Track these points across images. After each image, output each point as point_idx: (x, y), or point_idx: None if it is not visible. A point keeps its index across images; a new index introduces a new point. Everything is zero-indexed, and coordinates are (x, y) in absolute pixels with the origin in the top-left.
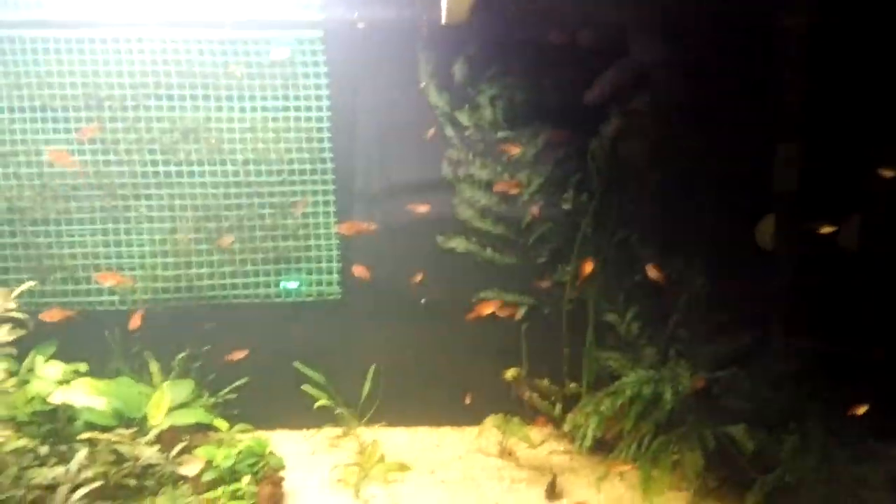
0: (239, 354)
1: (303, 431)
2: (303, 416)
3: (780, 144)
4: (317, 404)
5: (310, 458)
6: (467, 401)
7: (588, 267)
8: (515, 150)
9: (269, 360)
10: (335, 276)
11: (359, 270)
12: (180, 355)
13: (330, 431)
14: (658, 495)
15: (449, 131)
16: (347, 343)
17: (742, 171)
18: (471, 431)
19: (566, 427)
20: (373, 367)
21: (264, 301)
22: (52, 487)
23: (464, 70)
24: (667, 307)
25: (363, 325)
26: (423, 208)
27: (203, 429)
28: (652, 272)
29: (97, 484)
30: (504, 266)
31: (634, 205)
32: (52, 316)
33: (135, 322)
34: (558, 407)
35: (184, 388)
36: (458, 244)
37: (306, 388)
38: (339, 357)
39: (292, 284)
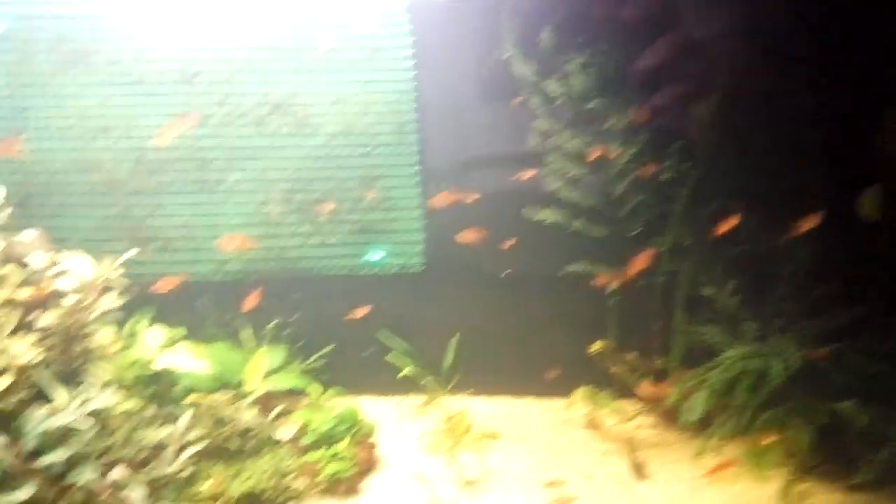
0: (361, 312)
1: (388, 398)
2: (388, 383)
3: (887, 110)
4: (401, 373)
5: (397, 425)
6: (552, 373)
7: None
8: (643, 116)
9: (355, 329)
10: (419, 248)
11: (467, 236)
12: (272, 323)
13: (415, 399)
14: (764, 471)
15: (535, 102)
16: (432, 314)
17: (847, 138)
18: (553, 403)
19: (669, 400)
20: (456, 337)
21: (350, 272)
22: (159, 447)
23: (552, 38)
24: (768, 280)
25: (447, 296)
26: (509, 179)
27: (294, 394)
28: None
29: (202, 445)
30: (594, 239)
31: (735, 175)
32: (164, 286)
33: (251, 301)
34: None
35: (277, 355)
36: (547, 215)
37: (392, 357)
38: (423, 327)
39: (376, 256)
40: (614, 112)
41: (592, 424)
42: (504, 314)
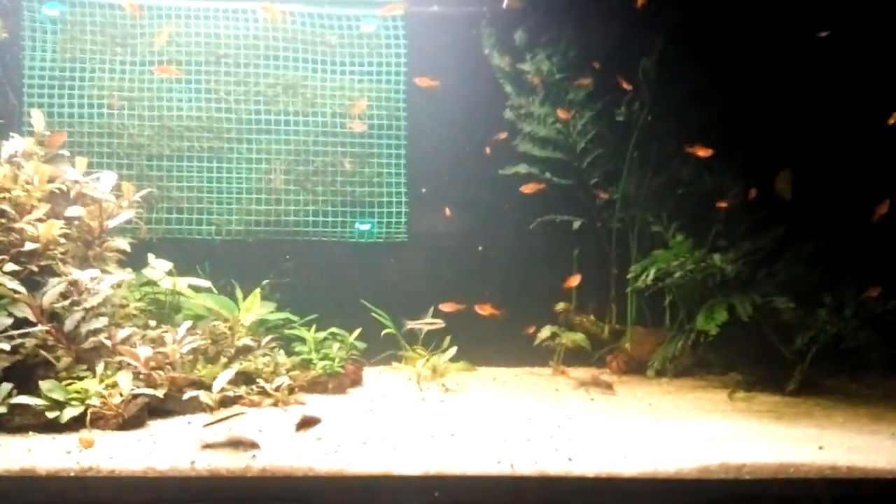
0: (453, 307)
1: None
2: (373, 347)
3: None
4: (384, 332)
5: (379, 374)
6: (531, 331)
7: None
8: (585, 83)
9: (341, 295)
10: (403, 220)
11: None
12: (265, 281)
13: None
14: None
15: (508, 87)
16: (411, 283)
17: None
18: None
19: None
20: (431, 309)
21: (340, 239)
22: (160, 341)
23: (523, 37)
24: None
25: (426, 267)
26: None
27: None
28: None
29: (199, 343)
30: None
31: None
32: None
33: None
34: (606, 330)
35: (268, 307)
36: (521, 168)
37: (377, 317)
38: (403, 296)
39: (365, 226)
40: (575, 84)
41: (559, 371)
42: (478, 283)
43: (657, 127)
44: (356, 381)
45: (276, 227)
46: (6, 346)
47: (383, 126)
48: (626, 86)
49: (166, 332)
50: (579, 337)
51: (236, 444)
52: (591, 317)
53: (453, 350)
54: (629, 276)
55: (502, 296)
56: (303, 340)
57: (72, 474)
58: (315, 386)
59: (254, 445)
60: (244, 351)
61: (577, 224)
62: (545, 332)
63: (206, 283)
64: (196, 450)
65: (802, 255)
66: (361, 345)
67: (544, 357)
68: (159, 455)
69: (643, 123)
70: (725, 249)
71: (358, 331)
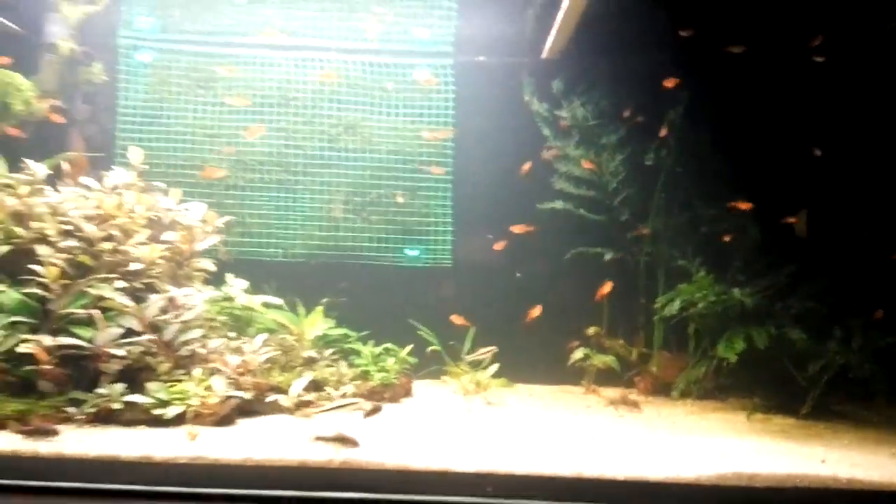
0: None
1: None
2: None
3: None
4: (429, 349)
5: (425, 386)
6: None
7: None
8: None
9: (390, 313)
10: (448, 247)
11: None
12: (324, 300)
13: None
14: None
15: (546, 131)
16: (453, 305)
17: None
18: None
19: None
20: (472, 329)
21: (390, 264)
22: (239, 350)
23: (560, 86)
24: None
25: (467, 290)
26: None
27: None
28: None
29: (274, 353)
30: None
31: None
32: None
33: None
34: (634, 353)
35: (328, 323)
36: (557, 204)
37: (423, 335)
38: (446, 316)
39: (413, 252)
40: (608, 131)
41: (590, 390)
42: (515, 306)
43: (682, 170)
44: (407, 393)
45: (335, 252)
46: (121, 352)
47: (432, 163)
48: (662, 134)
49: (245, 342)
50: (610, 359)
51: (342, 440)
52: (621, 341)
53: (495, 367)
54: (656, 305)
55: (539, 319)
56: (358, 354)
57: (183, 461)
58: (373, 395)
59: (354, 443)
60: (309, 362)
61: (608, 256)
62: (578, 353)
63: (279, 301)
64: (308, 440)
65: (814, 290)
66: (413, 359)
67: (575, 377)
68: (254, 448)
69: (669, 167)
70: (744, 284)
71: (409, 347)
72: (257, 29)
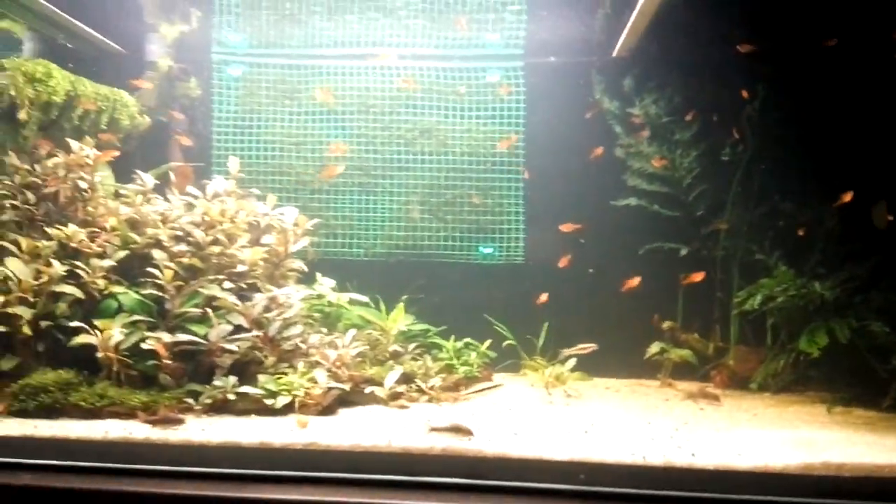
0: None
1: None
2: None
3: None
4: (504, 343)
5: (505, 379)
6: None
7: None
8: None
9: (466, 309)
10: (521, 245)
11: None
12: (404, 297)
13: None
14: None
15: (618, 128)
16: (527, 300)
17: None
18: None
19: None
20: (546, 325)
21: (466, 261)
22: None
23: (631, 84)
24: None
25: (541, 286)
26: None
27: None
28: None
29: (363, 348)
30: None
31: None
32: None
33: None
34: (710, 347)
35: (409, 318)
36: (631, 200)
37: (498, 329)
38: (519, 311)
39: (488, 250)
40: (680, 126)
41: (666, 384)
42: (588, 302)
43: (759, 164)
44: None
45: (413, 250)
46: (233, 347)
47: (504, 163)
48: (736, 134)
49: (336, 337)
50: (687, 353)
51: (456, 429)
52: (696, 335)
53: (573, 361)
54: (736, 300)
55: (612, 314)
56: (439, 348)
57: (299, 447)
58: (457, 387)
59: (468, 432)
60: (395, 356)
61: (683, 251)
62: (654, 347)
63: (364, 298)
64: (425, 431)
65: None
66: (493, 354)
67: (650, 371)
68: (358, 435)
69: (746, 162)
70: (824, 277)
71: (489, 341)
72: (337, 41)
